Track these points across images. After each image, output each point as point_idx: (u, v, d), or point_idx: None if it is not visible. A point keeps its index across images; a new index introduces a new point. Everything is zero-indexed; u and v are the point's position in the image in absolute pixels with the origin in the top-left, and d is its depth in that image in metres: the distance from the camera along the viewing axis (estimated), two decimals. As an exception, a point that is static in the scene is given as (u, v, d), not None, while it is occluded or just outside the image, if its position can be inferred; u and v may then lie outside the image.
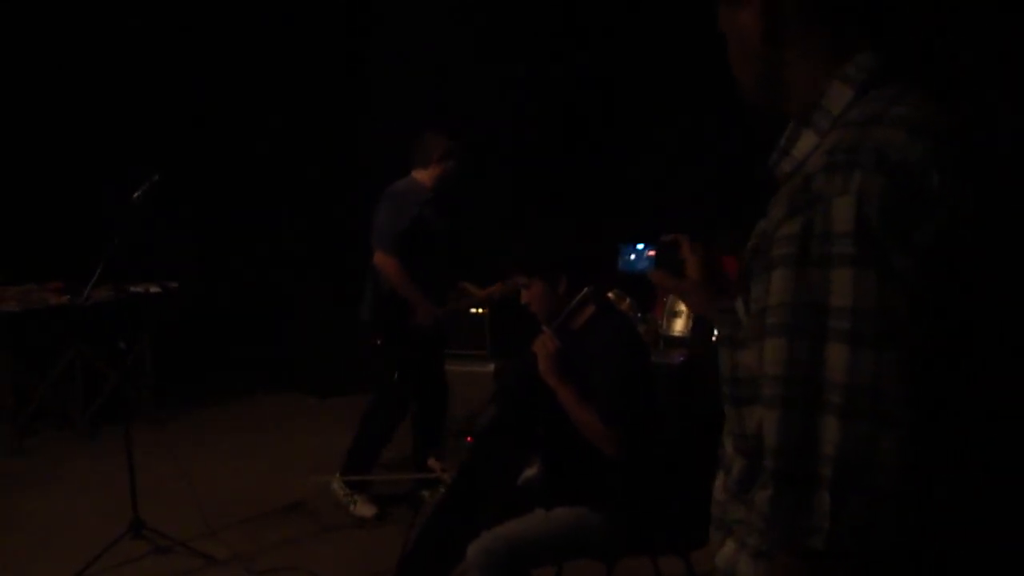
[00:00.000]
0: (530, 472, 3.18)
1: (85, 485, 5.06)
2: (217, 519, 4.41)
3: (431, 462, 3.42)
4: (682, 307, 4.58)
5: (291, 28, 6.76)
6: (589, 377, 2.82)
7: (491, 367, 5.67)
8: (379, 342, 4.65)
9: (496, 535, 2.77)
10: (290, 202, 6.90)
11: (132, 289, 6.02)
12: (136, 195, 4.13)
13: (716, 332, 1.26)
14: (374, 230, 4.55)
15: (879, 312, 0.95)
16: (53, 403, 6.01)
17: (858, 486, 0.95)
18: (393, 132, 5.42)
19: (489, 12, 6.29)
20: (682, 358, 4.37)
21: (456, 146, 4.66)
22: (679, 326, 4.63)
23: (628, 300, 4.70)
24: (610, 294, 4.36)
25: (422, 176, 4.64)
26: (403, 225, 4.49)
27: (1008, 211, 1.07)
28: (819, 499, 0.96)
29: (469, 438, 5.20)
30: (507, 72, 6.21)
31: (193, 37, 6.66)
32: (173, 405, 6.47)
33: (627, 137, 5.97)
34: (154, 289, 6.16)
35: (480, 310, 5.81)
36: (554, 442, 2.98)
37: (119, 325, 5.58)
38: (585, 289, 2.95)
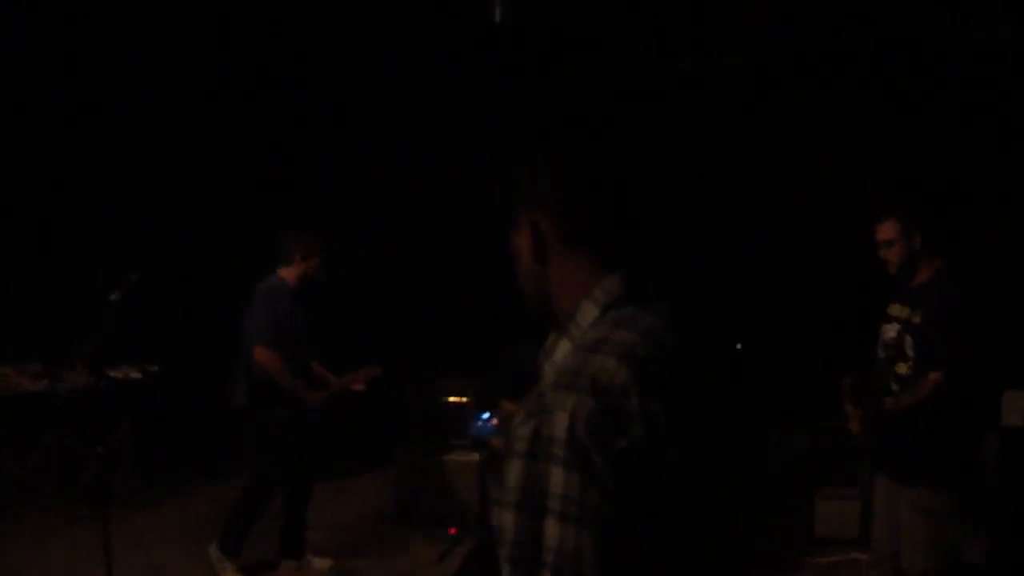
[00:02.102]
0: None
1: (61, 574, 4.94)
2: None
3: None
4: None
5: (275, 129, 6.91)
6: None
7: (475, 456, 5.66)
8: (255, 425, 4.77)
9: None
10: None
11: (111, 374, 5.98)
12: (114, 296, 4.14)
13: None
14: (250, 326, 4.71)
15: (580, 500, 1.22)
16: (31, 488, 5.91)
17: None
18: (372, 228, 5.46)
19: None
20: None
21: (318, 245, 4.88)
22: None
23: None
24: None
25: (287, 274, 4.86)
26: (278, 320, 4.69)
27: (693, 417, 1.32)
28: None
29: (452, 529, 5.20)
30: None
31: (176, 128, 6.76)
32: (156, 487, 6.38)
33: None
34: (134, 374, 6.10)
35: (464, 399, 5.80)
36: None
37: (98, 410, 5.54)
38: None
